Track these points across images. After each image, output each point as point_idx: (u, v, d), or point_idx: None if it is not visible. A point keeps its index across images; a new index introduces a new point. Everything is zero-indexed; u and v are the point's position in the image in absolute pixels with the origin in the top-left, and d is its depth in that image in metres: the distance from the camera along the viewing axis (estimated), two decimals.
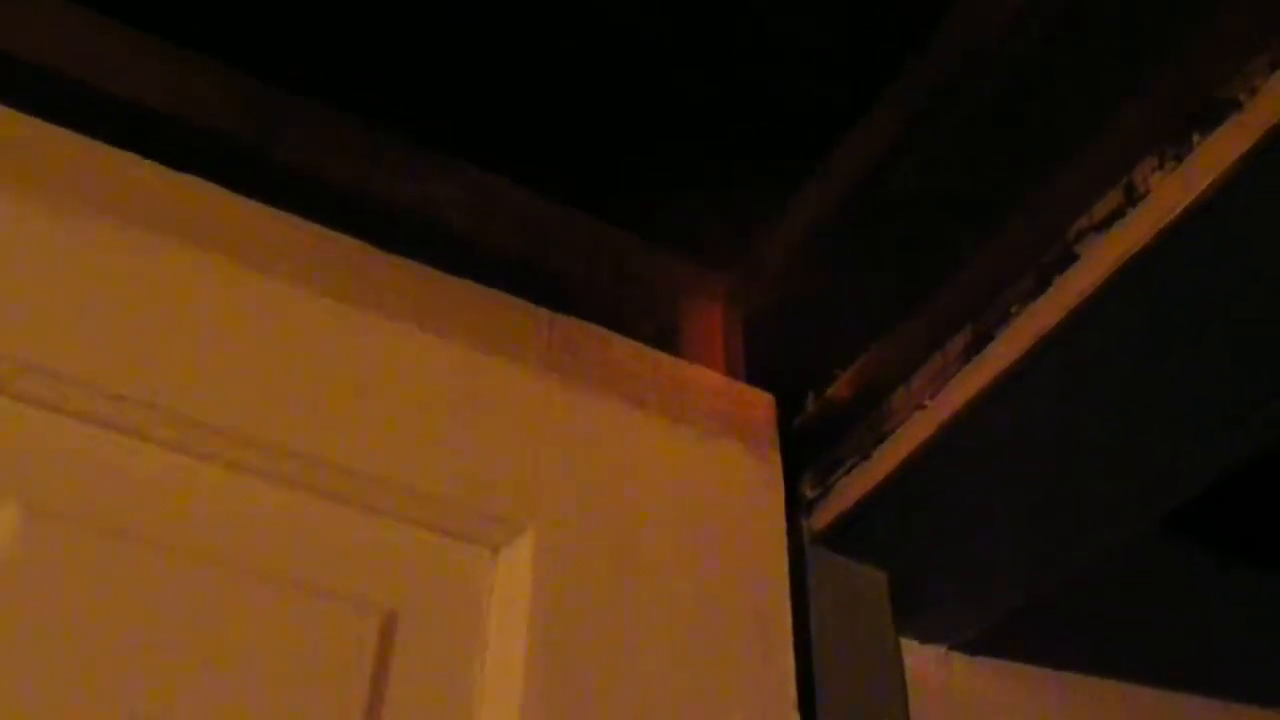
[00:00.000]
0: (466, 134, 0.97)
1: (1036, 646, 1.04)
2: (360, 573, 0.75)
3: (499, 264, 0.96)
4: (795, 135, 0.96)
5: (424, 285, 0.86)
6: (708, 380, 0.93)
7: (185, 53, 0.92)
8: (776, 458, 0.92)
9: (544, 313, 0.90)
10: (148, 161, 0.82)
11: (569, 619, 0.77)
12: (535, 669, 0.74)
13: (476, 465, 0.80)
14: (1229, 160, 0.71)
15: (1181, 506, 0.92)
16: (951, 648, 0.99)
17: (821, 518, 0.93)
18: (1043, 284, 0.80)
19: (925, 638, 0.98)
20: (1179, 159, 0.74)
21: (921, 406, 0.87)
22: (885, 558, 0.95)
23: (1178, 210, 0.73)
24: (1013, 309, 0.82)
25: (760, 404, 0.94)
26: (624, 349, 0.91)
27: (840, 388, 0.94)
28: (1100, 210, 0.78)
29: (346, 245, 0.85)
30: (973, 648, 1.00)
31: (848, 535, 0.93)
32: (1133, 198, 0.76)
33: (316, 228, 0.85)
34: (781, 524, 0.89)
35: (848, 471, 0.91)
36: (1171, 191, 0.74)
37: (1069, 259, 0.79)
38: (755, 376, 0.98)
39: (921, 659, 0.97)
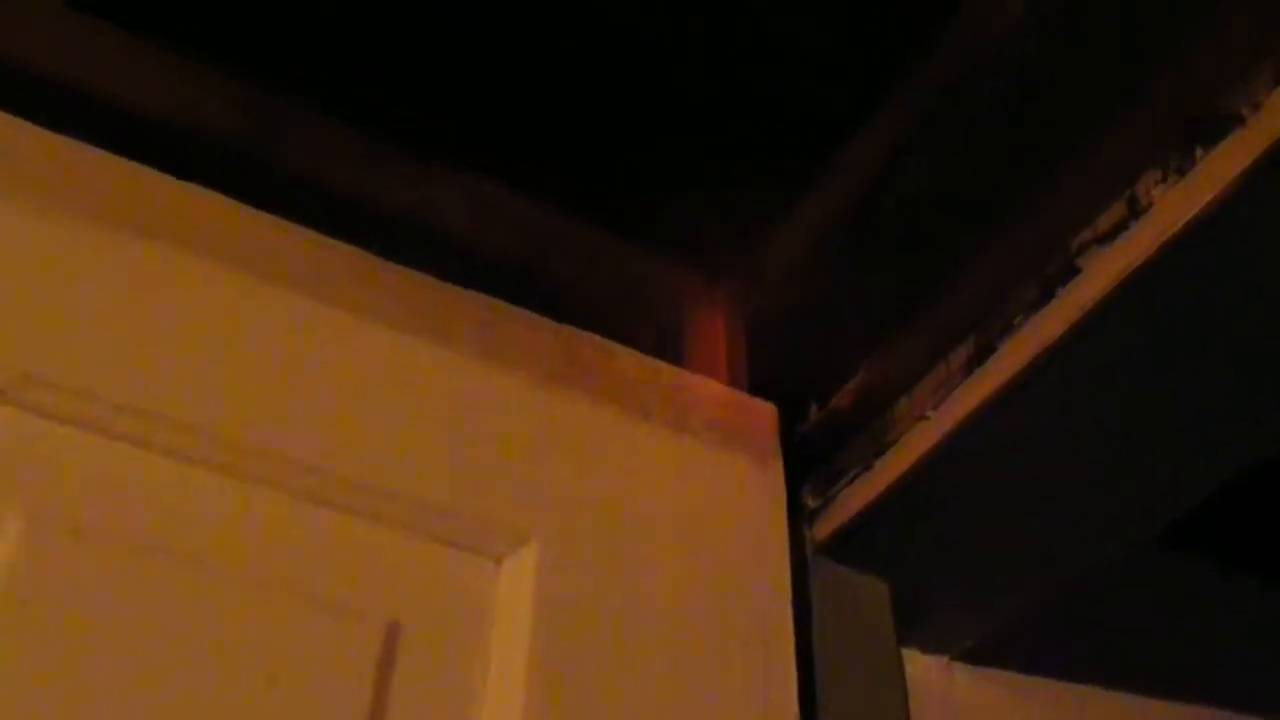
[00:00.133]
0: (467, 139, 0.97)
1: (1039, 656, 1.04)
2: (363, 583, 0.75)
3: (500, 271, 0.96)
4: (797, 141, 0.96)
5: (427, 295, 0.86)
6: (710, 390, 0.93)
7: (185, 58, 0.92)
8: (779, 468, 0.92)
9: (548, 323, 0.90)
10: (151, 170, 0.82)
11: (571, 630, 0.77)
12: (537, 680, 0.74)
13: (480, 475, 0.80)
14: (1232, 174, 0.71)
15: (1183, 516, 0.92)
16: (953, 658, 1.00)
17: (823, 528, 0.93)
18: (1045, 296, 0.80)
19: (927, 648, 0.98)
20: (1182, 172, 0.75)
21: (924, 417, 0.87)
22: (887, 568, 0.95)
23: (1180, 224, 0.73)
24: (1015, 321, 0.82)
25: (762, 414, 0.94)
26: (627, 359, 0.91)
27: (843, 397, 0.95)
28: (1103, 223, 0.78)
29: (349, 254, 0.85)
30: (975, 657, 1.00)
31: (850, 545, 0.93)
32: (1135, 211, 0.77)
33: (319, 236, 0.85)
34: (784, 534, 0.89)
35: (850, 482, 0.92)
36: (1174, 205, 0.74)
37: (1071, 271, 0.79)
38: (757, 384, 0.98)
39: (923, 669, 0.98)
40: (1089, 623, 1.05)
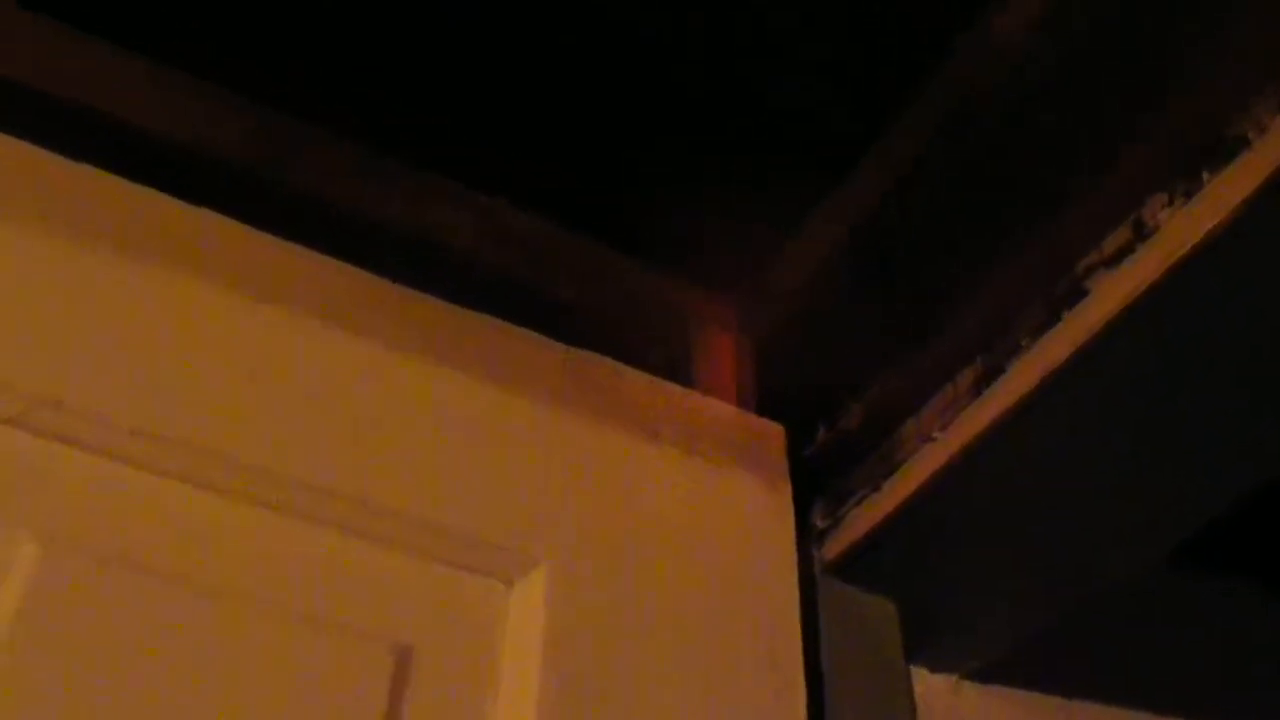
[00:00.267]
0: (472, 156, 0.97)
1: (1047, 674, 1.04)
2: (375, 607, 0.75)
3: (507, 290, 0.97)
4: (806, 162, 0.97)
5: (437, 318, 0.87)
6: (719, 411, 0.94)
7: (195, 81, 0.92)
8: (787, 489, 0.92)
9: (557, 345, 0.90)
10: (164, 195, 0.82)
11: (582, 652, 0.77)
12: (549, 702, 0.74)
13: (490, 499, 0.80)
14: (1239, 198, 0.72)
15: (1192, 535, 0.92)
16: (962, 676, 1.00)
17: (832, 548, 0.94)
18: (1053, 318, 0.81)
19: (935, 666, 0.98)
20: (1188, 196, 0.75)
21: (932, 438, 0.87)
22: (895, 588, 0.95)
23: (1187, 246, 0.74)
24: (1023, 343, 0.82)
25: (771, 435, 0.95)
26: (636, 381, 0.92)
27: (851, 418, 0.95)
28: (1110, 246, 0.79)
29: (359, 278, 0.86)
30: (983, 676, 1.00)
31: (858, 565, 0.93)
32: (1142, 234, 0.77)
33: (330, 260, 0.85)
34: (792, 555, 0.89)
35: (858, 502, 0.92)
36: (1181, 228, 0.75)
37: (1079, 294, 0.79)
38: (765, 404, 0.99)
39: (932, 687, 0.98)
40: (1097, 641, 1.05)
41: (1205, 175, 0.74)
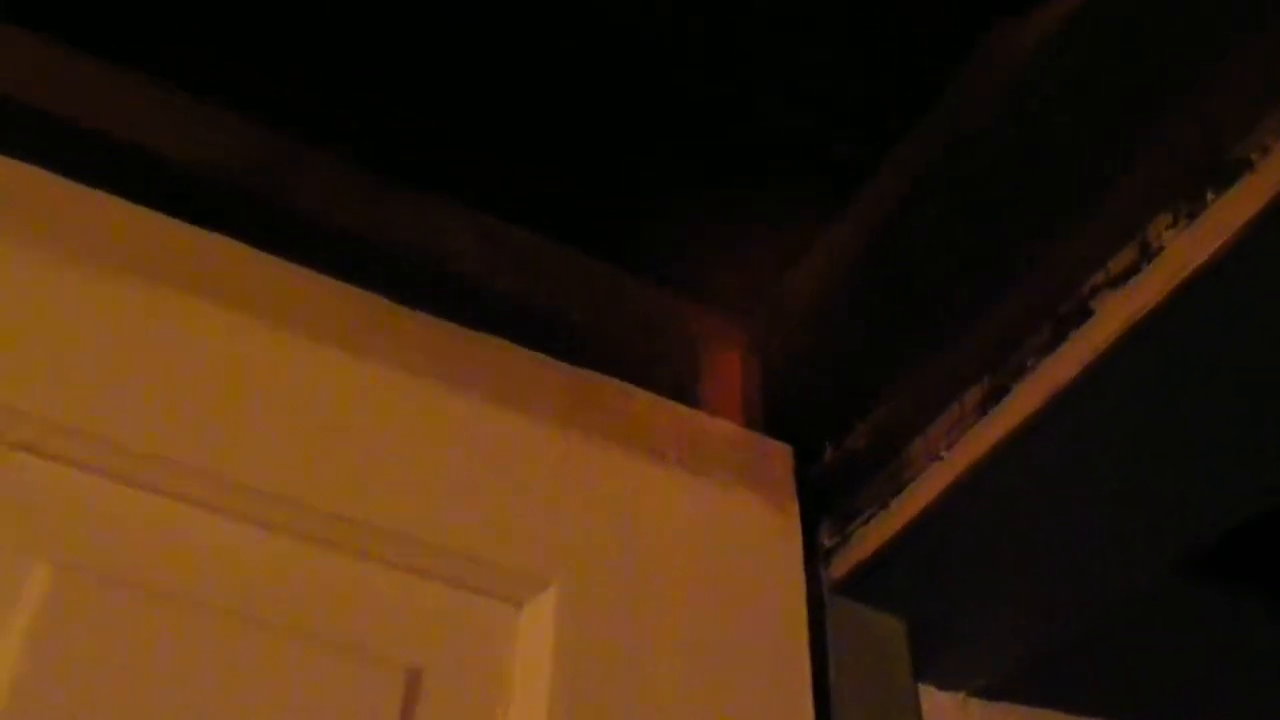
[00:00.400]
0: (481, 178, 0.98)
1: (1055, 691, 1.04)
2: (385, 629, 0.76)
3: (516, 312, 0.97)
4: (813, 183, 0.97)
5: (445, 341, 0.87)
6: (726, 432, 0.94)
7: (201, 103, 0.93)
8: (794, 509, 0.93)
9: (563, 366, 0.91)
10: (172, 219, 0.83)
11: (592, 673, 0.77)
12: None
13: (499, 521, 0.81)
14: (1243, 219, 0.72)
15: (1204, 549, 0.92)
16: (970, 693, 1.00)
17: (840, 567, 0.94)
18: (1058, 338, 0.81)
19: (944, 684, 0.98)
20: (1193, 216, 0.75)
21: (938, 457, 0.87)
22: (903, 606, 0.95)
23: (1191, 267, 0.74)
24: (1028, 362, 0.82)
25: (778, 455, 0.95)
26: (643, 402, 0.92)
27: (858, 437, 0.95)
28: (1115, 266, 0.79)
29: (368, 301, 0.86)
30: (991, 693, 1.00)
31: (866, 584, 0.93)
32: (1147, 254, 0.77)
33: (338, 283, 0.86)
34: (800, 574, 0.90)
35: (865, 521, 0.92)
36: (1185, 248, 0.75)
37: (1084, 314, 0.80)
38: (773, 423, 0.99)
39: (940, 705, 0.98)
40: (1104, 657, 1.05)
41: (1209, 196, 0.75)
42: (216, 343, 0.79)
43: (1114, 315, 0.78)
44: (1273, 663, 1.12)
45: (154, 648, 0.69)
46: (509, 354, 0.89)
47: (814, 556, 0.94)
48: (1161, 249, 0.76)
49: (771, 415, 0.99)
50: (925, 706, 0.96)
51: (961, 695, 1.00)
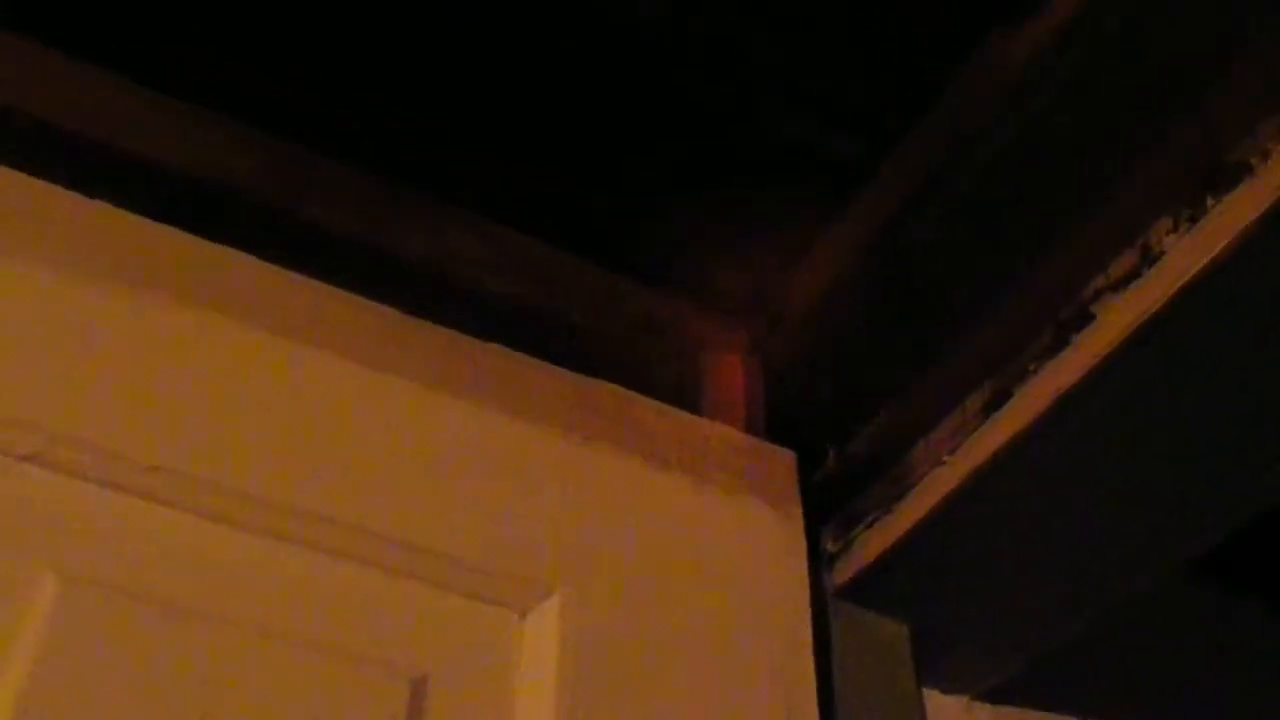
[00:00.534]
0: (480, 181, 0.98)
1: (1059, 693, 1.04)
2: (390, 637, 0.76)
3: (519, 317, 0.97)
4: (814, 187, 0.97)
5: (449, 348, 0.87)
6: (729, 438, 0.94)
7: (210, 115, 0.93)
8: (798, 514, 0.93)
9: (567, 374, 0.91)
10: (179, 231, 0.83)
11: (596, 680, 0.78)
12: None
13: (504, 528, 0.81)
14: (1243, 223, 0.72)
15: (1211, 552, 0.92)
16: (974, 697, 1.00)
17: (843, 572, 0.94)
18: (1060, 343, 0.81)
19: (948, 688, 0.99)
20: (1193, 221, 0.76)
21: (941, 462, 0.88)
22: (907, 610, 0.95)
23: (1193, 271, 0.74)
24: (1030, 367, 0.83)
25: (781, 460, 0.95)
26: (645, 408, 0.92)
27: (861, 443, 0.95)
28: (1116, 270, 0.79)
29: (372, 310, 0.87)
30: (995, 696, 1.01)
31: (869, 589, 0.93)
32: (1148, 258, 0.77)
33: (344, 293, 0.86)
34: (804, 580, 0.90)
35: (868, 526, 0.92)
36: (1186, 252, 0.75)
37: (1086, 318, 0.80)
38: (775, 428, 0.99)
39: (944, 709, 0.98)
40: (1108, 659, 1.05)
41: (1209, 201, 0.75)
42: (222, 354, 0.80)
43: (1115, 319, 0.78)
44: (1274, 663, 1.12)
45: (161, 658, 0.69)
46: (512, 361, 0.89)
47: (817, 562, 0.94)
48: (1162, 253, 0.77)
49: (774, 420, 0.99)
50: (930, 710, 0.97)
51: (966, 699, 1.00)
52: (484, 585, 0.79)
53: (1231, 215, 0.73)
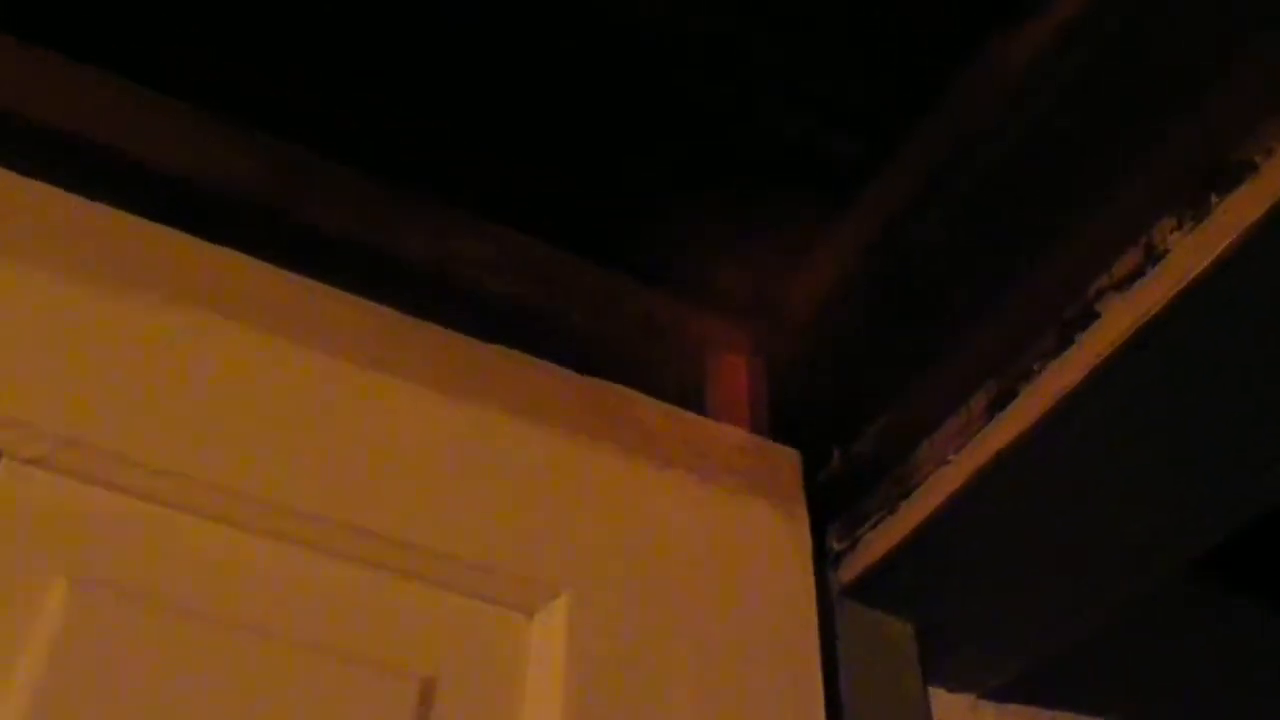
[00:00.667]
0: (480, 181, 0.99)
1: (1064, 692, 1.04)
2: (398, 639, 0.76)
3: (523, 319, 0.97)
4: (817, 187, 0.97)
5: (454, 351, 0.87)
6: (733, 437, 0.94)
7: (210, 117, 0.93)
8: (803, 514, 0.93)
9: (572, 375, 0.91)
10: (185, 234, 0.84)
11: (603, 680, 0.78)
12: None
13: (510, 530, 0.81)
14: (1247, 221, 0.73)
15: (1212, 552, 0.93)
16: (980, 696, 1.00)
17: (849, 571, 0.94)
18: (1064, 342, 0.81)
19: (954, 686, 0.99)
20: (1197, 220, 0.76)
21: (946, 462, 0.88)
22: (912, 609, 0.95)
23: (1197, 270, 0.75)
24: (1035, 366, 0.83)
25: (786, 460, 0.95)
26: (650, 409, 0.92)
27: (865, 442, 0.96)
28: (1120, 270, 0.79)
29: (378, 313, 0.87)
30: (1001, 695, 1.01)
31: (875, 588, 0.94)
32: (1152, 257, 0.78)
33: (348, 296, 0.87)
34: (810, 579, 0.90)
35: (874, 526, 0.93)
36: (1190, 251, 0.76)
37: (1090, 317, 0.80)
38: (780, 429, 0.99)
39: (950, 707, 0.98)
40: (1113, 658, 1.05)
41: (1214, 199, 0.75)
42: (228, 357, 0.80)
43: (1119, 319, 0.78)
44: (1275, 663, 1.12)
45: (171, 661, 0.70)
46: (518, 363, 0.90)
47: (823, 561, 0.94)
48: (1166, 252, 0.77)
49: (778, 420, 0.99)
50: (936, 709, 0.97)
51: (971, 697, 1.00)
52: (491, 587, 0.79)
53: (1235, 214, 0.74)
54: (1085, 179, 0.83)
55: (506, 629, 0.79)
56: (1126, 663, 1.07)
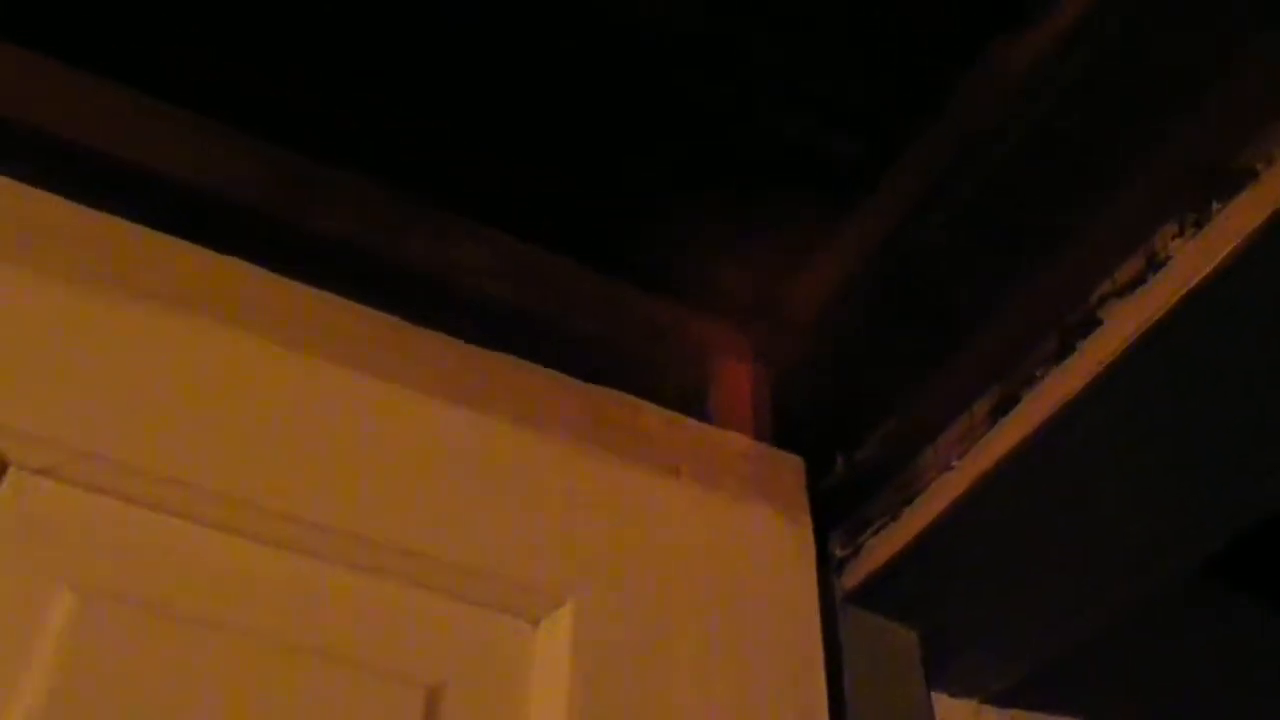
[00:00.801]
0: (480, 182, 0.98)
1: (1067, 696, 1.04)
2: (405, 647, 0.76)
3: (526, 326, 0.97)
4: (818, 193, 0.97)
5: (457, 359, 0.87)
6: (737, 444, 0.95)
7: (210, 123, 0.93)
8: (807, 520, 0.93)
9: (575, 383, 0.91)
10: (188, 243, 0.84)
11: (609, 688, 0.78)
12: None
13: (515, 538, 0.81)
14: (1248, 228, 0.73)
15: (1222, 557, 0.93)
16: (983, 701, 1.00)
17: (852, 577, 0.94)
18: (1067, 348, 0.82)
19: (957, 692, 0.99)
20: (1199, 226, 0.76)
21: (949, 468, 0.88)
22: (916, 615, 0.96)
23: (1199, 276, 0.75)
24: (1037, 372, 0.83)
25: (789, 467, 0.95)
26: (653, 416, 0.92)
27: (869, 449, 0.96)
28: (1122, 276, 0.80)
29: (380, 321, 0.87)
30: (1004, 700, 1.01)
31: (878, 594, 0.94)
32: (1154, 264, 0.78)
33: (351, 304, 0.87)
34: (813, 585, 0.90)
35: (877, 532, 0.93)
36: (1192, 257, 0.76)
37: (1092, 323, 0.80)
38: (783, 435, 0.99)
39: (953, 712, 0.99)
40: (1115, 663, 1.06)
41: (1215, 206, 0.75)
42: (230, 364, 0.80)
43: (1122, 325, 0.78)
44: (1276, 663, 1.12)
45: (177, 670, 0.70)
46: (522, 371, 0.90)
47: (826, 567, 0.94)
48: (1169, 258, 0.77)
49: (781, 426, 0.99)
50: (939, 714, 0.97)
51: (975, 702, 1.00)
52: (496, 595, 0.79)
53: (1237, 220, 0.74)
54: (1086, 181, 0.83)
55: (511, 637, 0.79)
56: (1128, 665, 1.07)
